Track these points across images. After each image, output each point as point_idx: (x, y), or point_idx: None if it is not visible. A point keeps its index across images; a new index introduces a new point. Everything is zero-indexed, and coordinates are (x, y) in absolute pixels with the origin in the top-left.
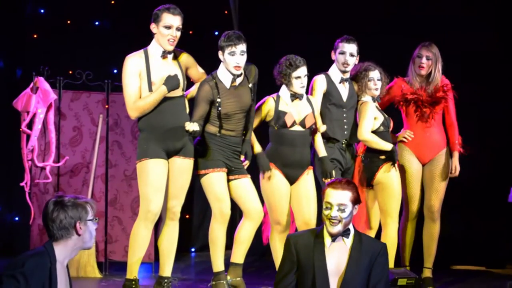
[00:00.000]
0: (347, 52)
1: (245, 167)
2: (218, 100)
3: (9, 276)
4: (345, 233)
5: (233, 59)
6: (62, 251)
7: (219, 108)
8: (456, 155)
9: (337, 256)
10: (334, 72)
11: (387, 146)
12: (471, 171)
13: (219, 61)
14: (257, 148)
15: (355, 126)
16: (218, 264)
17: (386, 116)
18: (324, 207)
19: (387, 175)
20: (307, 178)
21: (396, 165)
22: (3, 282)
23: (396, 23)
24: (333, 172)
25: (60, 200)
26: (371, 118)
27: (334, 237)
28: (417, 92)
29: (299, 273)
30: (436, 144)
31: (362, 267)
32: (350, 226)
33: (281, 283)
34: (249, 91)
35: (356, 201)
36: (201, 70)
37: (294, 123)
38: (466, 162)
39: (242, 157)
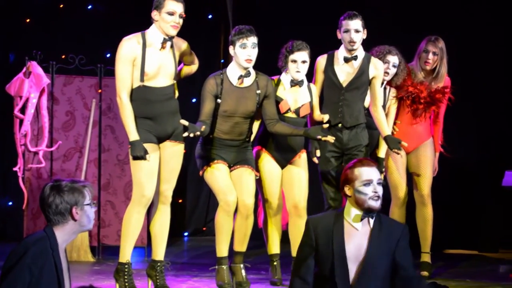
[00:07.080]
0: (352, 30)
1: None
2: (220, 96)
3: (15, 270)
4: (370, 213)
5: (244, 52)
6: (60, 235)
7: (219, 105)
8: (436, 156)
9: (357, 241)
10: (341, 51)
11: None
12: (466, 154)
13: (212, 45)
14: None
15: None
16: (221, 250)
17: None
18: (361, 185)
19: None
20: (299, 161)
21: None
22: (10, 276)
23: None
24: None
25: (56, 185)
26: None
27: (361, 219)
28: (418, 87)
29: (318, 259)
30: (421, 135)
31: (383, 252)
32: None
33: (300, 270)
34: (255, 98)
35: None
36: (194, 58)
37: (288, 111)
38: (461, 145)
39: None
